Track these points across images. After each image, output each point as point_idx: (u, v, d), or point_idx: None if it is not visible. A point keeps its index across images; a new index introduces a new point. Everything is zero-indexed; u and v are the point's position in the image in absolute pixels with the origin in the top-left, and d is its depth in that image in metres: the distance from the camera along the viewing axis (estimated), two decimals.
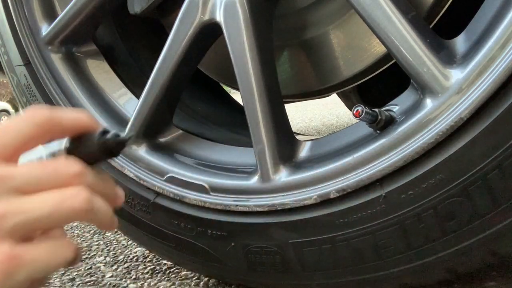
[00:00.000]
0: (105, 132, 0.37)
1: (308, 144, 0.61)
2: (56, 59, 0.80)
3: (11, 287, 0.30)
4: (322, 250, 0.57)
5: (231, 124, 0.90)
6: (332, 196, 0.55)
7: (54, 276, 0.87)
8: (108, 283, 0.82)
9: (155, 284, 0.81)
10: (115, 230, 1.01)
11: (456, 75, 0.48)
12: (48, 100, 0.80)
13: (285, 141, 0.61)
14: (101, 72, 0.82)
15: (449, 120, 0.48)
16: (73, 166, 0.34)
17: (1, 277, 0.30)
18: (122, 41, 0.86)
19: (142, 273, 0.86)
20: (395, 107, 0.54)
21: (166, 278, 0.83)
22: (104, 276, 0.87)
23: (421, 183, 0.50)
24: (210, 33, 0.65)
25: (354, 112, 0.50)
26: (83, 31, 0.79)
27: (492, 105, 0.46)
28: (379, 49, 0.71)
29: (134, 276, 0.85)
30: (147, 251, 0.96)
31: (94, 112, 0.76)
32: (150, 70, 0.68)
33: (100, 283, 0.83)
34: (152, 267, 0.90)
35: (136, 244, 1.02)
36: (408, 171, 0.50)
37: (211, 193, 0.64)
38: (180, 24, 0.65)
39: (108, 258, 0.97)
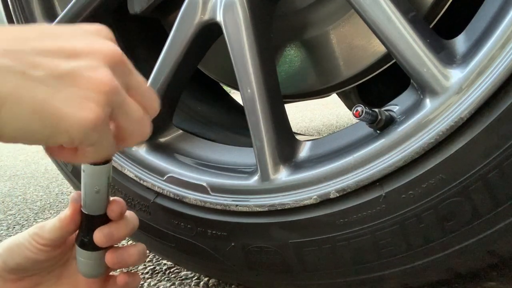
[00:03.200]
0: None
1: (308, 144, 0.61)
2: None
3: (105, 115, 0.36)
4: (322, 250, 0.57)
5: (231, 124, 0.90)
6: (332, 196, 0.55)
7: None
8: None
9: (155, 284, 0.81)
10: None
11: (456, 75, 0.48)
12: None
13: (285, 141, 0.61)
14: None
15: (449, 120, 0.48)
16: (158, 103, 0.43)
17: (102, 97, 0.35)
18: (122, 41, 0.86)
19: (142, 273, 0.86)
20: (395, 107, 0.54)
21: (166, 278, 0.83)
22: None
23: (421, 183, 0.50)
24: (210, 33, 0.65)
25: (354, 112, 0.50)
26: None
27: (492, 105, 0.46)
28: (379, 49, 0.71)
29: None
30: (147, 251, 0.96)
31: None
32: (150, 70, 0.68)
33: None
34: (152, 267, 0.90)
35: None
36: (408, 171, 0.51)
37: (211, 193, 0.64)
38: (180, 24, 0.65)
39: None
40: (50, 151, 0.39)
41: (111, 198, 0.52)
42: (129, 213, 0.55)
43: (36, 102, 0.33)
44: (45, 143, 0.36)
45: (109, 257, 0.53)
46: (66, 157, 0.39)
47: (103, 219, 0.52)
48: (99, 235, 0.51)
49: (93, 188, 0.49)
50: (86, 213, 0.51)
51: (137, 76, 0.40)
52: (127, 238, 1.06)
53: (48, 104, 0.34)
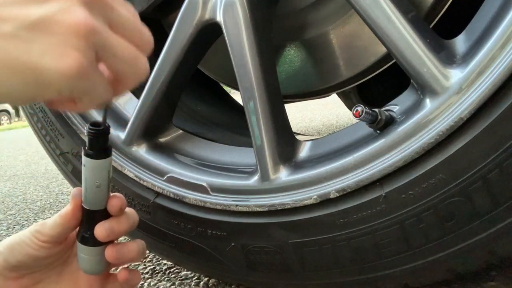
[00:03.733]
0: None
1: (308, 144, 0.61)
2: None
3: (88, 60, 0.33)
4: (322, 250, 0.57)
5: (231, 124, 0.90)
6: (332, 196, 0.55)
7: None
8: None
9: (155, 284, 0.81)
10: None
11: (456, 75, 0.48)
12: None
13: (285, 141, 0.61)
14: None
15: (449, 120, 0.48)
16: (151, 38, 0.39)
17: (75, 39, 0.32)
18: None
19: (142, 273, 0.86)
20: (395, 107, 0.54)
21: (166, 278, 0.83)
22: None
23: (421, 183, 0.50)
24: (210, 33, 0.65)
25: (354, 112, 0.50)
26: None
27: (492, 105, 0.46)
28: (379, 49, 0.71)
29: None
30: (147, 251, 0.96)
31: (94, 112, 0.76)
32: (150, 70, 0.68)
33: None
34: (152, 267, 0.90)
35: None
36: (408, 171, 0.51)
37: (211, 193, 0.64)
38: (180, 24, 0.65)
39: None
40: (50, 104, 0.37)
41: (111, 194, 0.52)
42: (129, 209, 0.55)
43: (11, 60, 0.31)
44: (34, 101, 0.34)
45: (109, 253, 0.53)
46: (67, 107, 0.38)
47: (104, 214, 0.52)
48: (100, 229, 0.51)
49: (94, 182, 0.49)
50: (87, 208, 0.52)
51: (121, 11, 0.37)
52: (127, 239, 1.06)
53: (25, 60, 0.32)
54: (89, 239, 0.53)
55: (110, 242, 0.54)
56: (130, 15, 0.38)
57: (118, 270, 0.57)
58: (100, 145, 0.48)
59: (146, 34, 0.39)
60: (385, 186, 0.52)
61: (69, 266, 0.57)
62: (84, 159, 0.49)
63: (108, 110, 0.49)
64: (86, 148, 0.48)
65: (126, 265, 0.58)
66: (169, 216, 0.68)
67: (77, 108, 0.37)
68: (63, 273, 0.57)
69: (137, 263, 0.92)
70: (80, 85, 0.34)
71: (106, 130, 0.48)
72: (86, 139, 0.49)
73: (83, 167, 0.49)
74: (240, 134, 0.84)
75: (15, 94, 0.32)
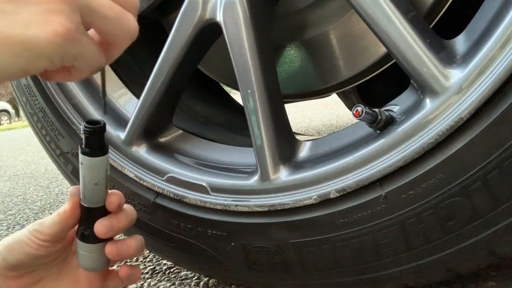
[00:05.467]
0: None
1: (308, 144, 0.61)
2: None
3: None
4: (322, 250, 0.57)
5: (231, 124, 0.90)
6: (332, 196, 0.55)
7: None
8: None
9: (155, 284, 0.81)
10: None
11: (456, 75, 0.48)
12: (48, 100, 0.80)
13: (285, 141, 0.61)
14: None
15: (449, 120, 0.48)
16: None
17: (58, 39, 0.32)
18: None
19: (142, 273, 0.86)
20: (395, 107, 0.54)
21: (166, 278, 0.83)
22: None
23: (421, 183, 0.50)
24: (210, 33, 0.65)
25: (354, 112, 0.50)
26: None
27: (492, 105, 0.46)
28: (379, 49, 0.71)
29: None
30: (147, 251, 0.96)
31: (94, 112, 0.76)
32: (150, 70, 0.68)
33: None
34: (152, 267, 0.90)
35: None
36: (408, 171, 0.51)
37: (211, 193, 0.64)
38: (180, 24, 0.65)
39: None
40: (45, 76, 0.38)
41: (109, 191, 0.52)
42: (127, 206, 0.56)
43: None
44: (28, 73, 0.34)
45: (109, 249, 0.53)
46: (62, 77, 0.38)
47: (103, 211, 0.52)
48: (100, 226, 0.52)
49: (92, 180, 0.50)
50: (86, 206, 0.52)
51: None
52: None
53: (10, 33, 0.31)
54: (88, 237, 0.53)
55: (110, 239, 0.54)
56: None
57: (119, 267, 0.58)
58: (96, 143, 0.48)
59: None
60: (385, 186, 0.52)
61: (68, 264, 0.57)
62: (81, 157, 0.49)
63: (105, 99, 0.49)
64: (83, 146, 0.49)
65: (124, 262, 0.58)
66: (169, 216, 0.68)
67: (72, 77, 0.37)
68: (62, 271, 0.57)
69: (137, 263, 0.92)
70: (70, 50, 0.34)
71: (102, 128, 0.48)
72: (82, 137, 0.49)
73: (80, 165, 0.49)
74: (240, 134, 0.84)
75: (7, 68, 0.32)
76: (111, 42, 0.38)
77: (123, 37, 0.38)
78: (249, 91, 0.60)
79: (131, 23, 0.38)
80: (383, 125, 0.52)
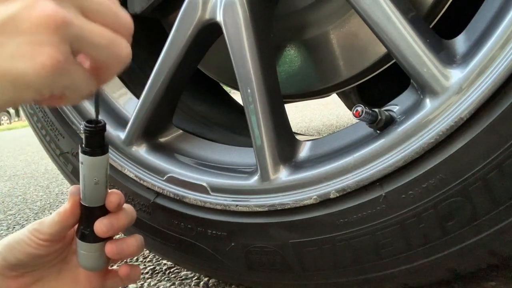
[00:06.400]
0: None
1: (308, 144, 0.61)
2: None
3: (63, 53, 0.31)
4: (322, 250, 0.57)
5: (231, 124, 0.90)
6: (332, 196, 0.55)
7: None
8: None
9: (155, 284, 0.81)
10: None
11: (456, 75, 0.48)
12: None
13: (285, 141, 0.61)
14: None
15: (449, 120, 0.48)
16: (129, 20, 0.37)
17: (47, 33, 0.30)
18: None
19: (142, 273, 0.86)
20: (395, 107, 0.54)
21: (166, 278, 0.83)
22: None
23: (421, 183, 0.50)
24: (210, 33, 0.65)
25: (354, 112, 0.50)
26: None
27: (492, 105, 0.46)
28: (379, 49, 0.71)
29: None
30: (147, 251, 0.96)
31: (94, 112, 0.76)
32: (150, 70, 0.68)
33: None
34: (152, 267, 0.90)
35: None
36: (408, 171, 0.50)
37: (211, 193, 0.64)
38: (180, 24, 0.65)
39: None
40: (35, 102, 0.36)
41: (109, 191, 0.52)
42: (127, 205, 0.56)
43: None
44: (14, 105, 0.33)
45: (109, 248, 0.53)
46: (53, 103, 0.36)
47: (103, 211, 0.53)
48: (100, 226, 0.52)
49: (92, 179, 0.50)
50: (86, 205, 0.52)
51: None
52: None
53: None
54: (88, 236, 0.53)
55: (109, 238, 0.54)
56: None
57: (118, 266, 0.58)
58: (97, 142, 0.49)
59: (123, 17, 0.37)
60: (385, 186, 0.52)
61: (68, 263, 0.57)
62: (81, 156, 0.49)
63: (100, 99, 0.49)
64: (83, 145, 0.49)
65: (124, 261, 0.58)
66: (169, 216, 0.68)
67: (64, 103, 0.36)
68: (62, 271, 0.57)
69: (137, 263, 0.92)
70: (59, 81, 0.32)
71: (102, 127, 0.48)
72: (82, 136, 0.49)
73: (80, 165, 0.49)
74: (240, 134, 0.84)
75: None
76: (102, 68, 0.37)
77: (115, 63, 0.37)
78: (249, 91, 0.60)
79: (123, 50, 0.36)
80: (383, 125, 0.52)
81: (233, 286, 0.74)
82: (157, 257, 0.94)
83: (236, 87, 0.66)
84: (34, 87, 0.31)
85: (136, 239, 0.55)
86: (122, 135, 0.72)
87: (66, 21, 0.31)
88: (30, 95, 0.32)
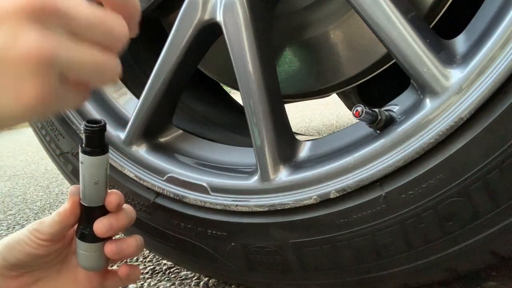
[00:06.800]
0: None
1: (308, 144, 0.61)
2: None
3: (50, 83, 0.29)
4: (322, 250, 0.57)
5: (231, 124, 0.90)
6: (332, 196, 0.55)
7: None
8: None
9: (155, 284, 0.81)
10: None
11: (456, 75, 0.48)
12: None
13: (285, 141, 0.61)
14: None
15: (449, 120, 0.48)
16: (123, 30, 0.35)
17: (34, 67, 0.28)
18: None
19: (142, 273, 0.86)
20: (395, 107, 0.54)
21: (166, 278, 0.83)
22: None
23: (421, 183, 0.50)
24: (210, 33, 0.65)
25: (354, 112, 0.50)
26: None
27: (492, 105, 0.46)
28: (379, 49, 0.71)
29: None
30: (147, 251, 0.96)
31: (94, 112, 0.76)
32: (150, 70, 0.68)
33: None
34: (152, 267, 0.90)
35: None
36: (408, 171, 0.51)
37: (211, 193, 0.64)
38: (180, 24, 0.65)
39: None
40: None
41: (109, 191, 0.53)
42: (126, 205, 0.56)
43: None
44: (2, 130, 0.32)
45: (109, 248, 0.53)
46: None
47: (102, 211, 0.53)
48: (99, 226, 0.52)
49: (92, 179, 0.50)
50: (86, 205, 0.52)
51: (80, 12, 0.31)
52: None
53: None
54: (88, 236, 0.53)
55: (109, 238, 0.54)
56: (91, 13, 0.32)
57: (118, 266, 0.58)
58: (97, 142, 0.49)
59: (116, 31, 0.34)
60: (385, 186, 0.52)
61: (68, 263, 0.57)
62: (81, 156, 0.49)
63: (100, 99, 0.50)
64: (83, 145, 0.49)
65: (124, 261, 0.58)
66: (169, 216, 0.68)
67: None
68: (62, 271, 0.57)
69: (137, 263, 0.92)
70: (48, 108, 0.31)
71: (103, 127, 0.49)
72: (83, 136, 0.49)
73: (80, 165, 0.50)
74: (240, 134, 0.84)
75: None
76: (90, 84, 0.35)
77: (104, 81, 0.35)
78: (249, 91, 0.60)
79: (114, 69, 0.34)
80: (383, 125, 0.52)
81: (233, 286, 0.74)
82: (157, 257, 0.94)
83: (236, 87, 0.66)
84: (22, 118, 0.30)
85: (136, 239, 0.55)
86: (122, 135, 0.72)
87: (51, 56, 0.29)
88: (19, 122, 0.31)
